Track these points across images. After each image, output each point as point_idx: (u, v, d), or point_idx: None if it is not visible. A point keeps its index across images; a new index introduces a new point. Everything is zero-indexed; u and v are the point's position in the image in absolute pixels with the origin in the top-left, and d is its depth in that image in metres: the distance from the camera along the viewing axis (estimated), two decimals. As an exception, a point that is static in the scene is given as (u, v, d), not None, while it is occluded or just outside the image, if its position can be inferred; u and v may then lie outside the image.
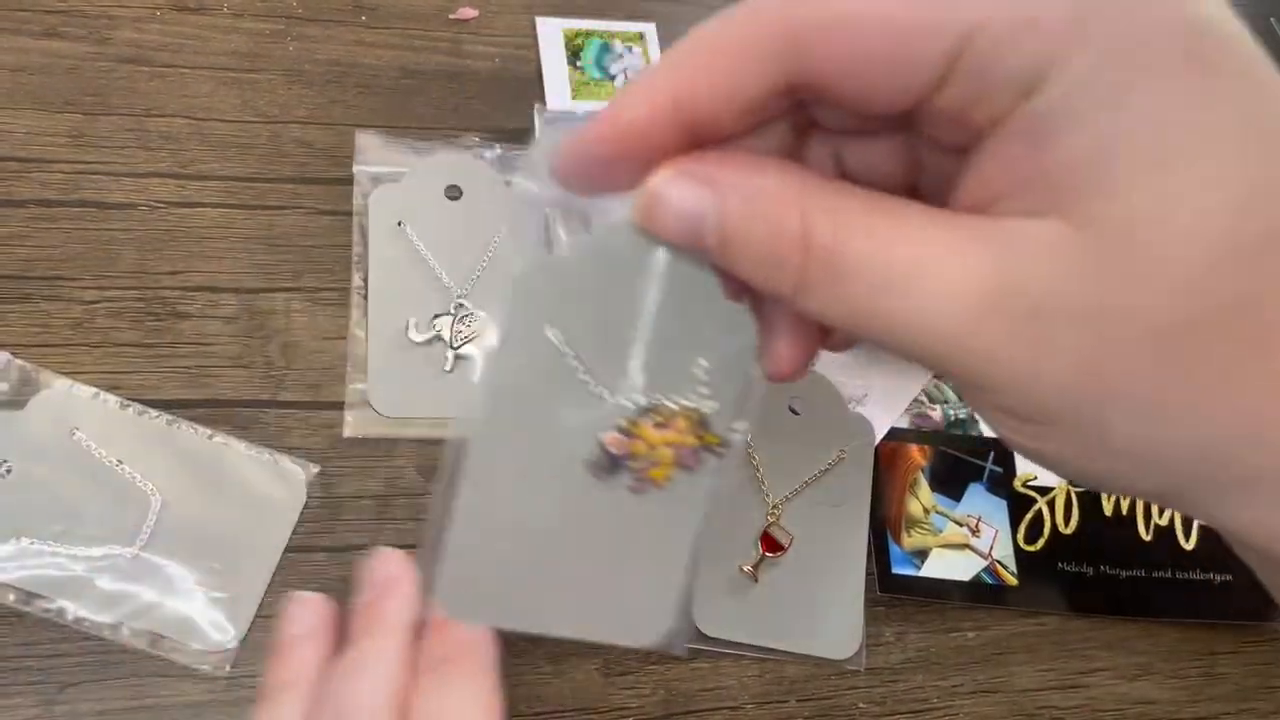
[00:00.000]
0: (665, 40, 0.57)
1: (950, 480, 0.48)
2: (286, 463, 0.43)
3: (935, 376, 0.50)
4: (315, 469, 0.43)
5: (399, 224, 0.48)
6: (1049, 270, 0.17)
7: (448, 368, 0.46)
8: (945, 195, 0.20)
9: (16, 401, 0.41)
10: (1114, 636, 0.48)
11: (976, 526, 0.48)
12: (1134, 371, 0.17)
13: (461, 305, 0.47)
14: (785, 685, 0.43)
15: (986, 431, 0.50)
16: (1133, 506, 0.50)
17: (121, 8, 0.51)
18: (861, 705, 0.44)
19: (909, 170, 0.22)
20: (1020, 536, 0.48)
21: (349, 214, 0.48)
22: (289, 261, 0.47)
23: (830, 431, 0.47)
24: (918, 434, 0.49)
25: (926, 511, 0.48)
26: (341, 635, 0.32)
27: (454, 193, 0.49)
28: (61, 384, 0.42)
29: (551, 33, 0.56)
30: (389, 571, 0.33)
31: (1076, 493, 0.50)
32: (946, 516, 0.48)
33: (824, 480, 0.46)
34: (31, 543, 0.39)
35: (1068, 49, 0.17)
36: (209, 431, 0.43)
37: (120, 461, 0.41)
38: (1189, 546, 0.50)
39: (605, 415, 0.25)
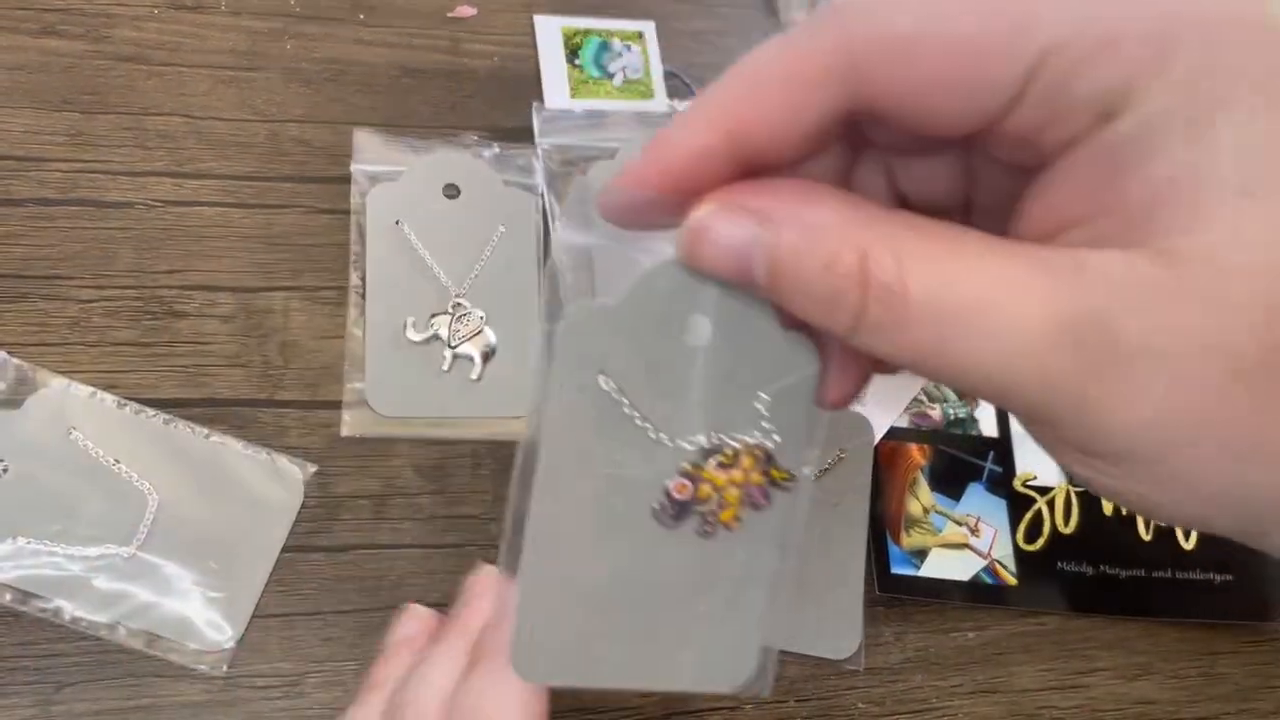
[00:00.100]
0: (664, 39, 0.57)
1: (950, 480, 0.48)
2: (284, 462, 0.43)
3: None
4: (313, 468, 0.43)
5: (397, 223, 0.48)
6: (1127, 305, 0.16)
7: (445, 367, 0.46)
8: (1003, 213, 0.20)
9: (13, 401, 0.41)
10: (1114, 636, 0.47)
11: (976, 526, 0.48)
12: (1219, 410, 0.16)
13: (459, 304, 0.47)
14: (784, 685, 0.43)
15: (986, 431, 0.50)
16: (1133, 506, 0.50)
17: (119, 6, 0.51)
18: (861, 705, 0.44)
19: (965, 187, 0.21)
20: (1020, 536, 0.48)
21: (347, 213, 0.48)
22: (287, 260, 0.47)
23: (829, 430, 0.47)
24: (917, 433, 0.49)
25: (926, 511, 0.47)
26: None
27: (452, 191, 0.49)
28: (58, 383, 0.42)
29: (550, 31, 0.56)
30: (478, 587, 0.35)
31: (1076, 492, 0.49)
32: (946, 516, 0.48)
33: (823, 479, 0.46)
34: (28, 542, 0.39)
35: (1148, 73, 0.16)
36: (206, 431, 0.42)
37: (117, 461, 0.41)
38: (1189, 546, 0.49)
39: (667, 461, 0.25)
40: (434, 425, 0.45)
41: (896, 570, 0.46)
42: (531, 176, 0.51)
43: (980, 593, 0.46)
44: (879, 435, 0.48)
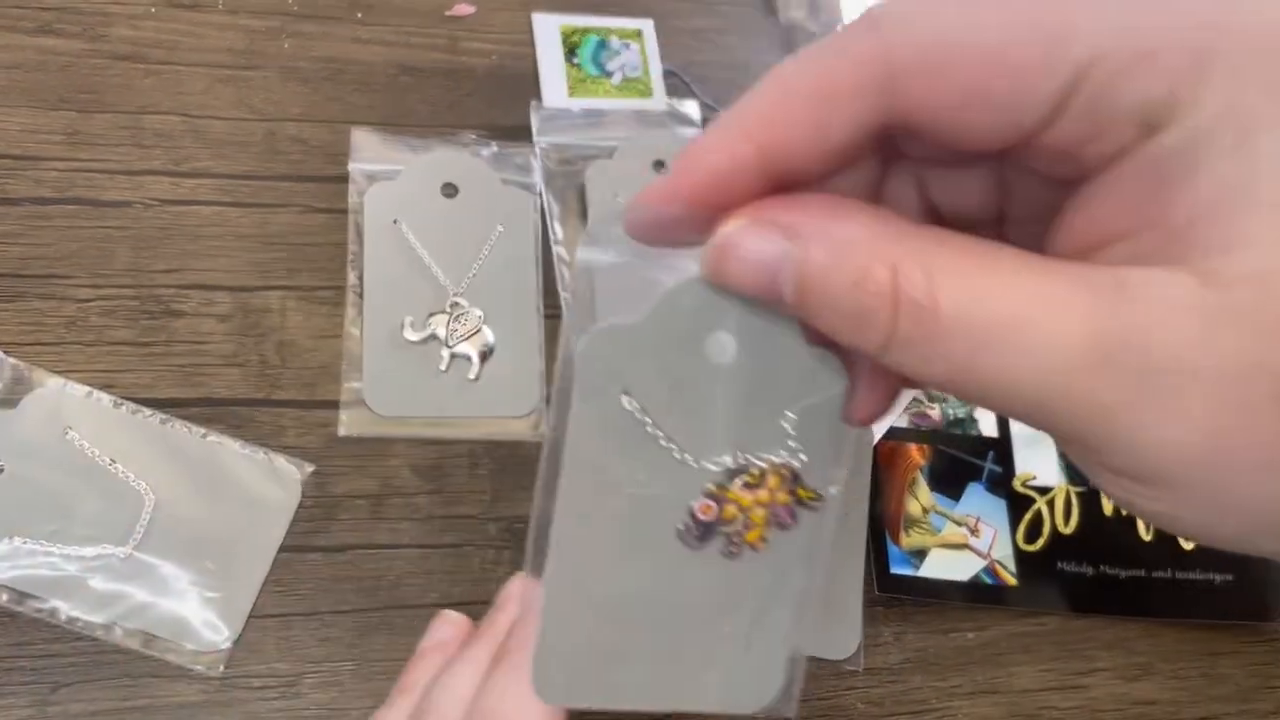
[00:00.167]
0: (663, 37, 0.57)
1: (949, 480, 0.48)
2: (281, 462, 0.42)
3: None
4: (310, 468, 0.43)
5: (394, 222, 0.48)
6: (1171, 325, 0.16)
7: (443, 366, 0.45)
8: (1038, 224, 0.19)
9: (9, 400, 0.41)
10: (1114, 637, 0.47)
11: (975, 526, 0.47)
12: (1261, 431, 0.16)
13: (457, 303, 0.47)
14: (783, 686, 0.43)
15: (986, 431, 0.50)
16: (1133, 506, 0.50)
17: (116, 5, 0.51)
18: (860, 706, 0.43)
19: (999, 198, 0.21)
20: (1020, 536, 0.48)
21: (344, 212, 0.48)
22: (284, 260, 0.47)
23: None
24: (917, 433, 0.49)
25: (925, 511, 0.47)
26: None
27: (450, 190, 0.49)
28: (55, 383, 0.42)
29: (548, 29, 0.56)
30: (511, 593, 0.35)
31: (1076, 493, 0.49)
32: (945, 516, 0.47)
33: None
34: (24, 542, 0.39)
35: (1192, 85, 0.16)
36: (203, 430, 0.42)
37: (114, 461, 0.41)
38: (1189, 547, 0.49)
39: (692, 482, 0.24)
40: (431, 425, 0.45)
41: (896, 570, 0.46)
42: (530, 175, 0.51)
43: (980, 593, 0.46)
44: (878, 435, 0.48)
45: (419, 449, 0.44)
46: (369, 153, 0.49)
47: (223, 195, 0.47)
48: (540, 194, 0.51)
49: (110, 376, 0.43)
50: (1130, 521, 0.49)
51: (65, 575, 0.39)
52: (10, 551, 0.39)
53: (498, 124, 0.52)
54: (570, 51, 0.55)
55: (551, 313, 0.48)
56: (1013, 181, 0.20)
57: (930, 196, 0.21)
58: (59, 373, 0.42)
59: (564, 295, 0.49)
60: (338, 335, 0.46)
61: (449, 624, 0.37)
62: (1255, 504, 0.17)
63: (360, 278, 0.46)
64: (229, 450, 0.42)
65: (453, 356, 0.46)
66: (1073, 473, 0.50)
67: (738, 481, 0.24)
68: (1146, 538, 0.49)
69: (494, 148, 0.51)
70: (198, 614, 0.39)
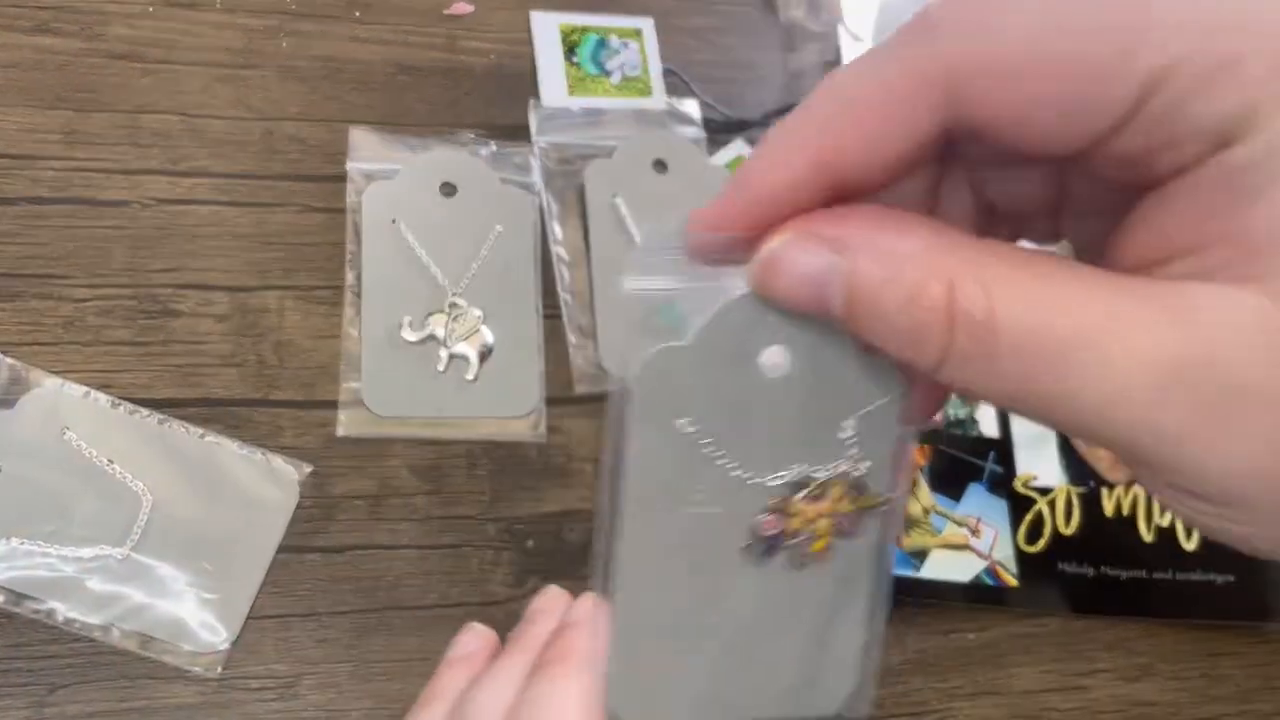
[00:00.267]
0: (662, 36, 0.57)
1: (950, 480, 0.48)
2: (279, 462, 0.42)
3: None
4: (308, 469, 0.43)
5: (393, 221, 0.47)
6: (1243, 347, 0.16)
7: (441, 366, 0.45)
8: (1097, 221, 0.19)
9: (7, 400, 0.41)
10: (1114, 638, 0.47)
11: (976, 527, 0.47)
12: None
13: (456, 303, 0.46)
14: (782, 687, 0.43)
15: (987, 431, 0.50)
16: (1134, 507, 0.50)
17: (114, 4, 0.50)
18: (859, 707, 0.43)
19: (1058, 196, 0.20)
20: (1020, 537, 0.48)
21: (342, 211, 0.48)
22: (282, 259, 0.47)
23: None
24: (917, 433, 0.49)
25: (926, 512, 0.47)
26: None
27: (448, 190, 0.49)
28: (52, 383, 0.42)
29: (547, 28, 0.55)
30: (544, 604, 0.35)
31: (1077, 493, 0.49)
32: (946, 517, 0.47)
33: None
34: (21, 543, 0.39)
35: (1273, 96, 0.15)
36: (201, 431, 0.42)
37: (111, 461, 0.41)
38: (1190, 547, 0.49)
39: (754, 498, 0.24)
40: (430, 425, 0.45)
41: (896, 571, 0.45)
42: (529, 175, 0.51)
43: (981, 594, 0.46)
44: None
45: (417, 449, 0.44)
46: (367, 152, 0.49)
47: (220, 195, 0.47)
48: (539, 193, 0.50)
49: (108, 376, 0.43)
50: (1131, 522, 0.49)
51: (63, 576, 0.39)
52: (8, 552, 0.38)
53: (496, 123, 0.52)
54: (569, 50, 0.55)
55: (550, 313, 0.48)
56: (1074, 183, 0.20)
57: (986, 193, 0.21)
58: (56, 373, 0.42)
59: (563, 295, 0.49)
60: (336, 335, 0.45)
61: (476, 636, 0.36)
62: None
63: (358, 277, 0.46)
64: (227, 451, 0.42)
65: (451, 356, 0.46)
66: (1073, 473, 0.50)
67: (800, 495, 0.24)
68: (1147, 539, 0.49)
69: (493, 147, 0.51)
70: (195, 615, 0.39)
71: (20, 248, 0.44)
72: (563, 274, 0.49)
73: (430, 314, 0.46)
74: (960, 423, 0.50)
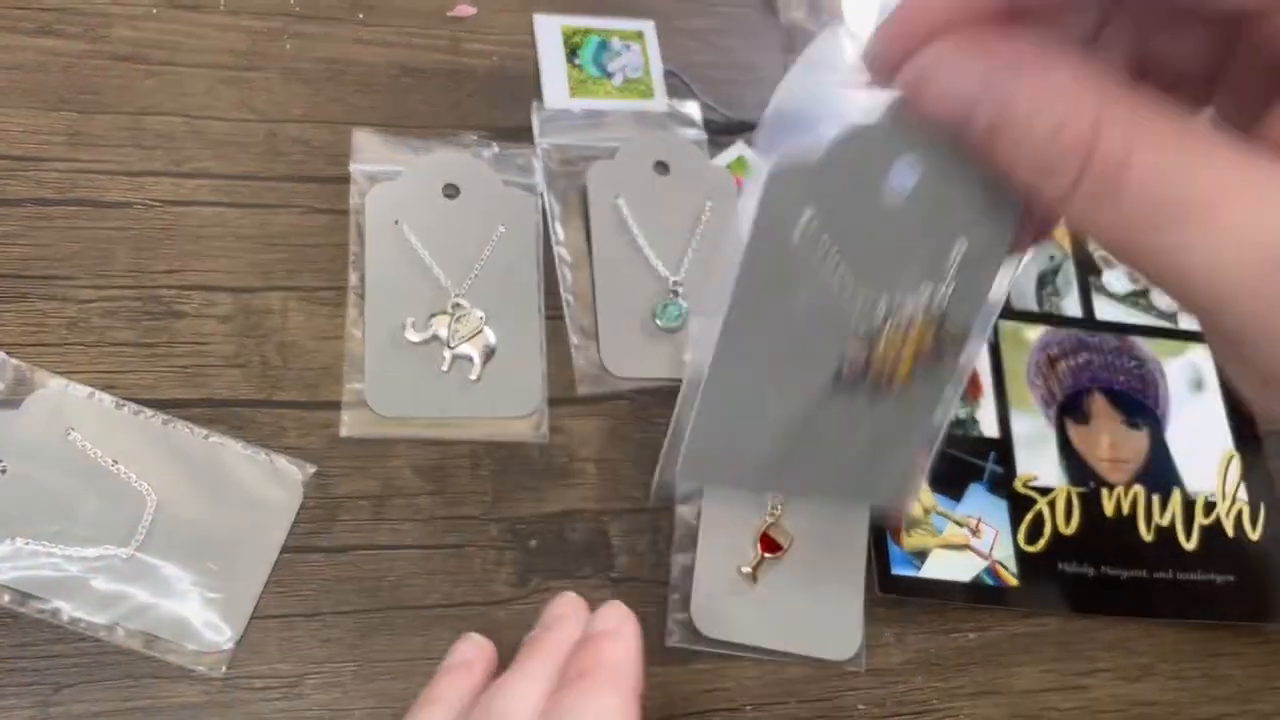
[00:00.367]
0: (663, 38, 0.57)
1: (950, 480, 0.48)
2: (283, 463, 0.42)
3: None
4: (311, 469, 0.43)
5: (396, 223, 0.48)
6: None
7: (445, 367, 0.46)
8: (1250, 97, 0.19)
9: (11, 401, 0.41)
10: (1115, 637, 0.47)
11: (977, 527, 0.47)
12: None
13: (459, 304, 0.47)
14: (785, 686, 0.43)
15: (987, 431, 0.50)
16: (1134, 507, 0.50)
17: (117, 5, 0.51)
18: (861, 706, 0.43)
19: (1216, 64, 0.20)
20: (1021, 537, 0.48)
21: (346, 213, 0.48)
22: (285, 260, 0.47)
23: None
24: (918, 434, 0.49)
25: (926, 512, 0.47)
26: (497, 671, 0.34)
27: (451, 191, 0.49)
28: (57, 383, 0.42)
29: (549, 30, 0.56)
30: (562, 610, 0.35)
31: (1077, 493, 0.49)
32: (946, 517, 0.47)
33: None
34: (26, 543, 0.39)
35: None
36: (205, 431, 0.42)
37: (116, 461, 0.41)
38: (1190, 547, 0.49)
39: (850, 317, 0.26)
40: (433, 426, 0.45)
41: (897, 571, 0.46)
42: (531, 176, 0.51)
43: (981, 593, 0.46)
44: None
45: (421, 450, 0.44)
46: (370, 154, 0.49)
47: (224, 196, 0.47)
48: (542, 195, 0.51)
49: (112, 377, 0.43)
50: (1131, 522, 0.49)
51: (67, 576, 0.39)
52: (12, 552, 0.39)
53: (499, 125, 0.52)
54: (571, 53, 0.55)
55: (553, 314, 0.48)
56: (1236, 52, 0.20)
57: (1150, 45, 0.21)
58: (61, 373, 0.42)
59: (565, 296, 0.49)
60: (339, 336, 0.46)
61: (474, 645, 0.36)
62: None
63: (362, 279, 0.47)
64: (231, 451, 0.42)
65: (454, 357, 0.46)
66: (1073, 474, 0.50)
67: (890, 324, 0.27)
68: (1148, 538, 0.49)
69: (495, 148, 0.51)
70: (200, 615, 0.39)
71: (24, 249, 0.44)
72: (565, 275, 0.49)
73: (433, 315, 0.46)
74: (961, 423, 0.50)
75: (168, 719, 0.38)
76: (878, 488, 0.31)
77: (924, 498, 0.48)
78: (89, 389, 0.42)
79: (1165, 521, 0.50)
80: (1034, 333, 0.53)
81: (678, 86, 0.56)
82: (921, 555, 0.46)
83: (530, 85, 0.54)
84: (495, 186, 0.50)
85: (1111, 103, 0.17)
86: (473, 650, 0.36)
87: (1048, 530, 0.48)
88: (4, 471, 0.40)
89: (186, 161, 0.48)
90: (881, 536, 0.46)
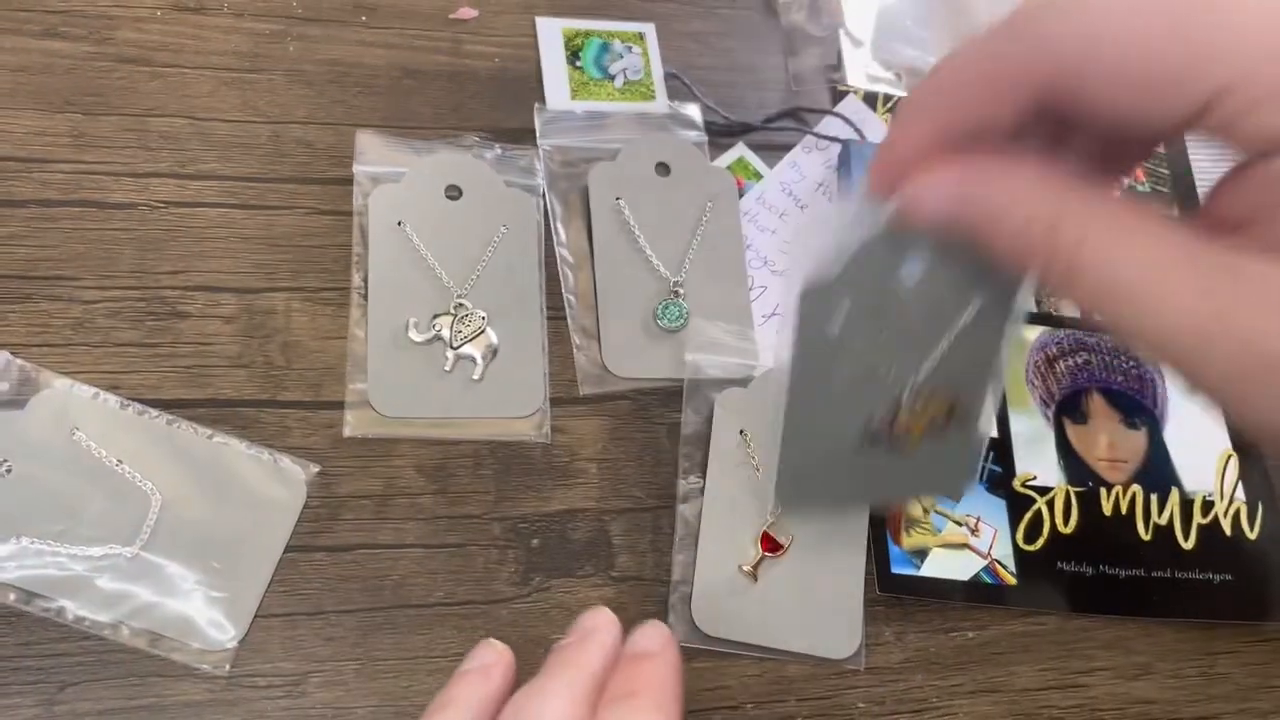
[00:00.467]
0: (664, 40, 0.57)
1: (950, 480, 0.48)
2: (286, 462, 0.43)
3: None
4: (315, 469, 0.43)
5: (399, 224, 0.48)
6: (1269, 311, 0.20)
7: (448, 367, 0.46)
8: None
9: (17, 401, 0.41)
10: (1113, 636, 0.48)
11: (976, 526, 0.48)
12: None
13: (461, 305, 0.47)
14: (784, 685, 0.43)
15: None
16: (1132, 506, 0.50)
17: (121, 8, 0.51)
18: (861, 705, 0.44)
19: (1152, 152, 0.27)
20: (1019, 536, 0.48)
21: (349, 214, 0.48)
22: (289, 261, 0.47)
23: None
24: (917, 434, 0.49)
25: (926, 511, 0.48)
26: (517, 677, 0.34)
27: (454, 192, 0.49)
28: (61, 384, 0.42)
29: (551, 32, 0.56)
30: (595, 623, 0.35)
31: (1076, 493, 0.50)
32: (946, 516, 0.48)
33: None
34: (31, 542, 0.39)
35: None
36: (209, 431, 0.43)
37: (120, 461, 0.41)
38: (1188, 546, 0.50)
39: (880, 398, 0.34)
40: (436, 425, 0.45)
41: (896, 570, 0.46)
42: (533, 177, 0.51)
43: (980, 592, 0.47)
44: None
45: (423, 449, 0.45)
46: (373, 155, 0.50)
47: (228, 197, 0.48)
48: (543, 196, 0.51)
49: (117, 377, 0.43)
50: (1129, 521, 0.50)
51: (72, 575, 0.39)
52: (18, 551, 0.39)
53: (501, 126, 0.53)
54: (573, 54, 0.55)
55: (554, 314, 0.49)
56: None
57: (1098, 143, 0.26)
58: (66, 374, 0.42)
59: (567, 296, 0.49)
60: (342, 336, 0.46)
61: (492, 650, 0.36)
62: None
63: (365, 279, 0.47)
64: (235, 451, 0.42)
65: (457, 357, 0.46)
66: (1072, 473, 0.50)
67: (910, 401, 0.34)
68: (1146, 538, 0.49)
69: (497, 150, 0.51)
70: (204, 613, 0.39)
71: (29, 250, 0.45)
72: (566, 275, 0.50)
73: (436, 315, 0.46)
74: (960, 423, 0.50)
75: (172, 717, 0.38)
76: (939, 481, 0.41)
77: (924, 497, 0.48)
78: (94, 389, 0.42)
79: (1163, 521, 0.50)
80: (1032, 333, 0.54)
81: (679, 88, 0.56)
82: (921, 554, 0.47)
83: (532, 87, 0.54)
84: (497, 187, 0.50)
85: (1067, 200, 0.22)
86: (491, 655, 0.36)
87: (1046, 529, 0.49)
88: (9, 471, 0.40)
89: (191, 163, 0.48)
90: (881, 536, 0.46)
